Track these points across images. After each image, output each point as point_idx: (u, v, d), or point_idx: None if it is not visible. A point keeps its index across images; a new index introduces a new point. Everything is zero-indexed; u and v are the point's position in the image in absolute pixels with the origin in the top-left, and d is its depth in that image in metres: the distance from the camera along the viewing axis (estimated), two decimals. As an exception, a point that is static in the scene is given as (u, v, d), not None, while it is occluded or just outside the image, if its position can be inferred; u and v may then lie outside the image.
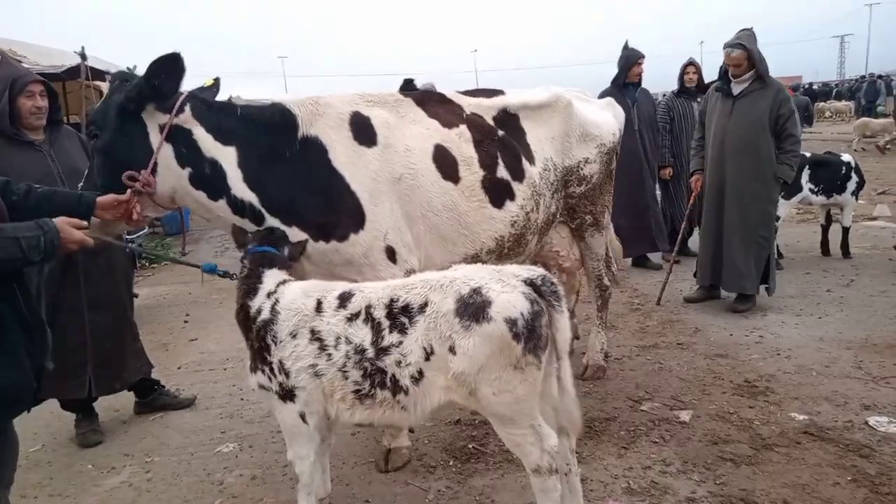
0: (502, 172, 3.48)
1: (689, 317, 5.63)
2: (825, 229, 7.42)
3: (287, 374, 2.49)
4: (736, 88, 5.41)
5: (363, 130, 3.17)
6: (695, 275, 6.22)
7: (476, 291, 2.31)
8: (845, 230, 7.20)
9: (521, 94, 3.80)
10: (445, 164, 3.31)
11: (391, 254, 3.17)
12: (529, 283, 2.38)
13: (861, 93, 27.37)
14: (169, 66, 2.84)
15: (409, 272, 3.21)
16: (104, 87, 9.54)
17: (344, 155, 3.09)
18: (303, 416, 2.56)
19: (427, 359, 2.34)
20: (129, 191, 2.80)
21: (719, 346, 4.90)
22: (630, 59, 7.00)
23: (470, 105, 3.58)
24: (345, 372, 2.43)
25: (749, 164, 5.39)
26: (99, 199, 2.72)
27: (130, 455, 3.86)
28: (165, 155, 2.90)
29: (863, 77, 29.72)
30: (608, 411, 3.91)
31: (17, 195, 2.51)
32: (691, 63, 7.63)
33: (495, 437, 3.70)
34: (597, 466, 3.31)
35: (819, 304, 5.68)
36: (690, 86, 7.49)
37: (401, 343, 2.36)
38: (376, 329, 2.40)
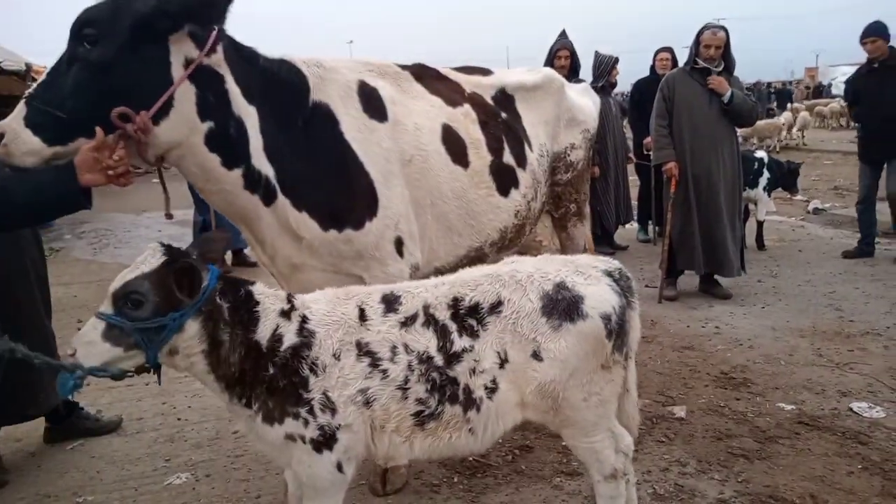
0: (508, 158, 3.18)
1: (641, 309, 5.58)
2: (742, 223, 7.75)
3: (334, 411, 1.94)
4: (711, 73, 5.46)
5: (372, 102, 2.72)
6: (669, 271, 5.90)
7: (562, 286, 2.01)
8: (759, 224, 7.59)
9: (514, 73, 3.51)
10: (455, 146, 2.95)
11: (399, 245, 2.77)
12: (608, 274, 2.12)
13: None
14: None
15: (414, 267, 2.84)
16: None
17: (355, 129, 2.62)
18: (339, 466, 1.98)
19: (501, 367, 2.00)
20: (115, 134, 2.07)
21: (682, 337, 4.89)
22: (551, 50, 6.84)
23: (468, 83, 3.24)
24: (405, 389, 1.95)
25: (732, 152, 5.62)
26: (77, 160, 1.99)
27: (53, 496, 3.16)
28: (185, 98, 2.21)
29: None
30: (601, 411, 3.72)
31: None
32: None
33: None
34: (612, 472, 3.09)
35: (757, 294, 5.88)
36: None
37: (472, 348, 1.98)
38: (442, 333, 1.99)
